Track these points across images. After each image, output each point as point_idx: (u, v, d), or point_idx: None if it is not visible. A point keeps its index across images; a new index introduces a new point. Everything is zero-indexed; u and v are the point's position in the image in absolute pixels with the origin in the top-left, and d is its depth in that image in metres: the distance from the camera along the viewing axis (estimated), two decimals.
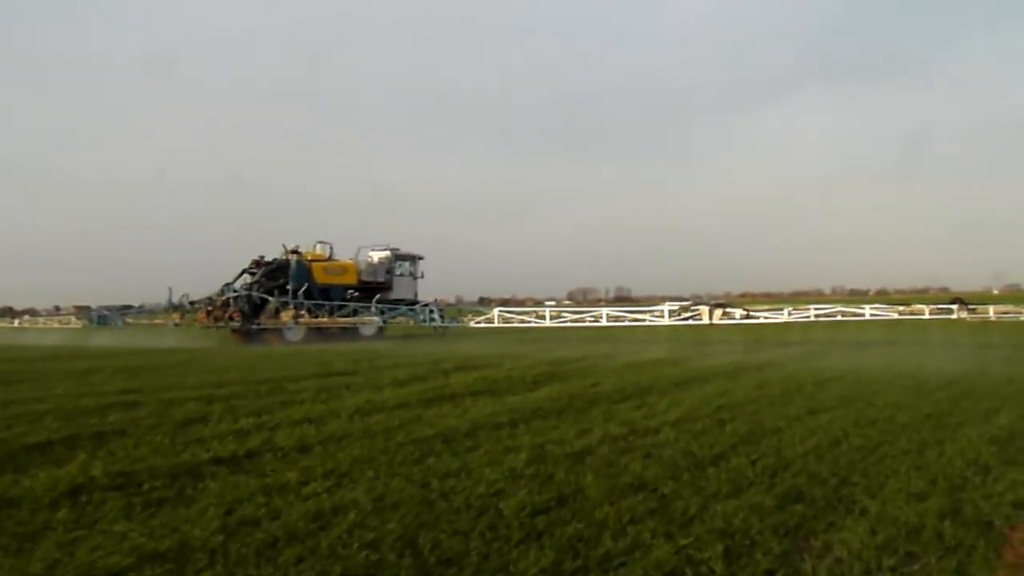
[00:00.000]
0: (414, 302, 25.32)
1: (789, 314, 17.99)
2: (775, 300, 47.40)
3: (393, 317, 21.26)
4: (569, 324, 19.47)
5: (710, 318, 18.05)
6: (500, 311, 19.85)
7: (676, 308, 18.72)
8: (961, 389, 8.40)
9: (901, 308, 17.95)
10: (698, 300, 18.70)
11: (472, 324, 20.25)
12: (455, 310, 21.96)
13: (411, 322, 21.34)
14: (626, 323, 19.23)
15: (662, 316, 18.62)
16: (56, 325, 26.86)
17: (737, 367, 11.29)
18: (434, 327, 20.73)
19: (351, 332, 23.33)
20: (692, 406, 7.26)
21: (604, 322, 19.03)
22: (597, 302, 60.84)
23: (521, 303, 48.90)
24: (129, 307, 26.35)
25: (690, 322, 18.44)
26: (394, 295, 25.45)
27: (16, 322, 29.75)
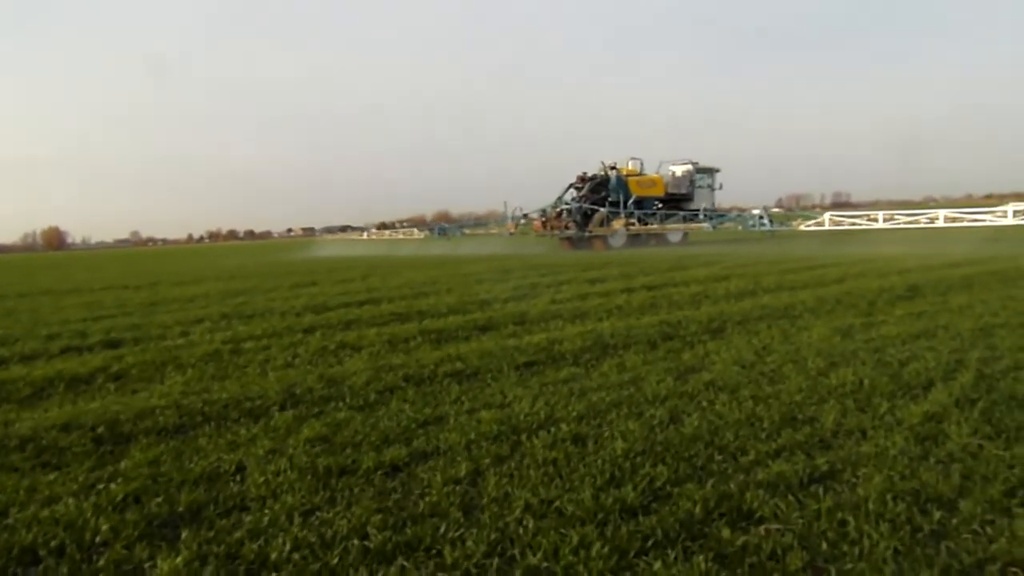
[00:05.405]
0: (713, 211, 27.83)
1: None
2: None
3: (721, 223, 24.09)
4: (903, 226, 21.34)
5: None
6: (831, 215, 22.01)
7: (1022, 208, 19.94)
8: None
9: None
10: None
11: (802, 228, 22.64)
12: (782, 215, 24.30)
13: (739, 227, 24.10)
14: (965, 223, 20.76)
15: (1005, 216, 19.94)
16: (401, 236, 32.30)
17: None
18: (763, 231, 23.37)
19: (660, 238, 26.31)
20: None
21: (941, 223, 20.73)
22: (812, 208, 60.39)
23: (727, 212, 50.41)
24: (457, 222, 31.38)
25: None
26: (694, 205, 27.69)
27: (364, 235, 35.65)
